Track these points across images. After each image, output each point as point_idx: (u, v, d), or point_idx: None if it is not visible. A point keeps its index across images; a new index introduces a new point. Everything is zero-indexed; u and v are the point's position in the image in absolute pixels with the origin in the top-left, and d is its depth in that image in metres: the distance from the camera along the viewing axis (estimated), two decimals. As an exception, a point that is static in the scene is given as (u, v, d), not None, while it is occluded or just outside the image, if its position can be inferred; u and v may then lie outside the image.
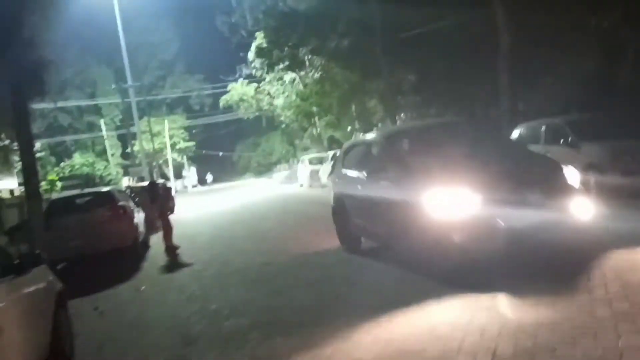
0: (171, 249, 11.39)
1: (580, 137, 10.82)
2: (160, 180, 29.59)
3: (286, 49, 28.55)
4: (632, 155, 9.91)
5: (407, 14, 21.57)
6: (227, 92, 48.62)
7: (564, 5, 16.53)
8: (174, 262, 10.39)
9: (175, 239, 11.75)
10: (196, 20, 57.28)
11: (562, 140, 11.12)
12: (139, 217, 12.95)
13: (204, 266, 9.24)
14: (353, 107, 29.95)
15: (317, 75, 32.32)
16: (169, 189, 23.83)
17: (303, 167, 29.62)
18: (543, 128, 11.95)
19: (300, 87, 35.61)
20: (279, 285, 7.03)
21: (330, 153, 25.49)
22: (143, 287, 8.39)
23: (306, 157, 30.52)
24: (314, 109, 31.29)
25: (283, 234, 11.63)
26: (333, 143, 33.72)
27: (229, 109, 50.22)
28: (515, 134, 13.01)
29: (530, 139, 12.36)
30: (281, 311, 5.86)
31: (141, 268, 10.23)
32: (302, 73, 34.94)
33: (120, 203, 11.53)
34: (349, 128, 32.68)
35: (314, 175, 27.45)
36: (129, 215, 11.41)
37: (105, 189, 12.84)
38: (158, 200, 12.08)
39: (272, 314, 5.84)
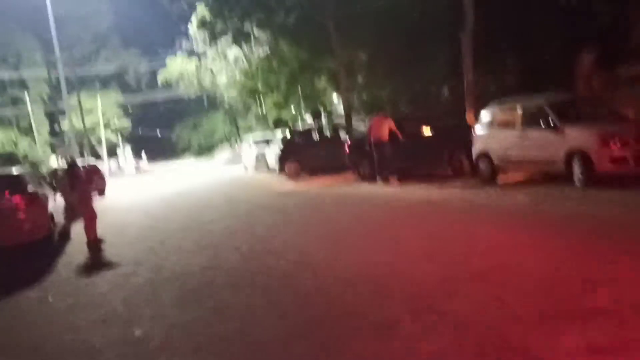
0: (94, 243, 9.58)
1: (563, 120, 9.73)
2: (88, 160, 27.10)
3: (230, 20, 26.50)
4: (622, 141, 8.87)
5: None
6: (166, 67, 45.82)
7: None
8: (95, 260, 8.60)
9: (102, 231, 9.95)
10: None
11: (542, 123, 9.98)
12: (57, 204, 11.04)
13: (132, 269, 7.49)
14: (300, 86, 28.27)
15: (263, 53, 30.48)
16: (97, 169, 21.61)
17: (248, 149, 27.79)
18: (519, 109, 10.76)
19: (245, 64, 33.61)
20: (229, 300, 5.49)
21: (279, 134, 23.82)
22: (50, 299, 6.60)
23: (251, 138, 28.67)
24: (260, 87, 29.39)
25: (229, 228, 9.99)
26: (279, 124, 32.02)
27: (168, 86, 47.37)
28: (486, 115, 11.82)
29: (503, 121, 11.23)
30: (233, 342, 4.32)
31: (54, 268, 8.36)
32: (247, 50, 32.93)
33: (30, 189, 9.57)
34: (295, 109, 31.06)
35: (260, 157, 25.70)
36: (40, 203, 9.49)
37: (14, 171, 10.75)
38: (79, 184, 10.15)
39: (222, 345, 4.30)
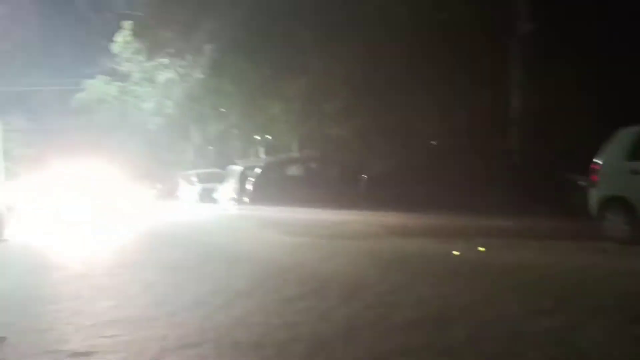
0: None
1: None
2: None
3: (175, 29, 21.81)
4: None
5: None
6: (81, 90, 39.89)
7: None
8: None
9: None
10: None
11: None
12: None
13: None
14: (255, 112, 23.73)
15: (204, 73, 25.66)
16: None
17: (189, 185, 22.90)
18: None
19: (181, 87, 28.61)
20: None
21: (235, 168, 19.12)
22: None
23: (194, 173, 23.74)
24: (208, 110, 24.55)
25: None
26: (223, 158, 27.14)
27: (83, 111, 41.18)
28: (619, 143, 8.02)
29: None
30: None
31: None
32: (183, 71, 28.00)
33: None
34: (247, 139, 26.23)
35: (205, 194, 21.21)
36: None
37: None
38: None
39: None
